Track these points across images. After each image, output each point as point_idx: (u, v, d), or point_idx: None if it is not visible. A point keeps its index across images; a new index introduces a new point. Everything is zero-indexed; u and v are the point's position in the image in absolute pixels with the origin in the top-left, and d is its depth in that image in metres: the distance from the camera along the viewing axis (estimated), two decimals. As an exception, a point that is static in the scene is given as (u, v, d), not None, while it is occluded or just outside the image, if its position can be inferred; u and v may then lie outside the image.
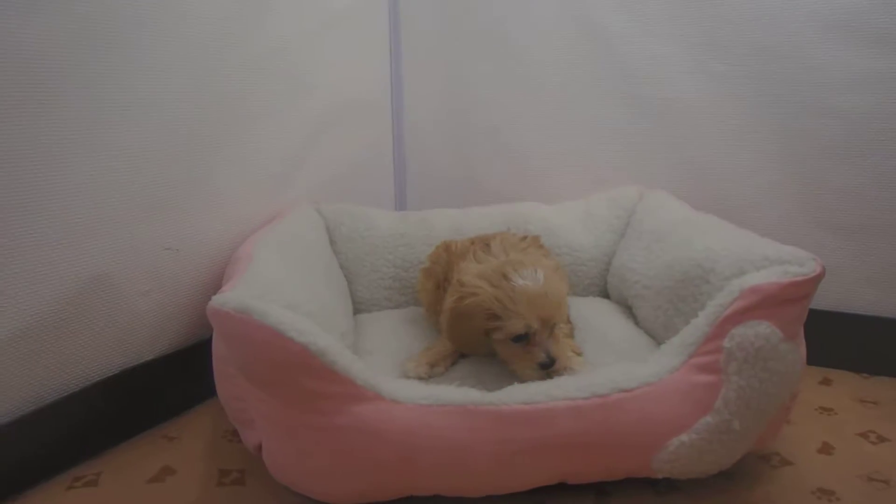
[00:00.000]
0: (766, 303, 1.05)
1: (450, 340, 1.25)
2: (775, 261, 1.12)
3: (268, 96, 1.58)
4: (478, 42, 1.95)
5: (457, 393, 1.01)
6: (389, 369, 1.26)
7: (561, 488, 1.06)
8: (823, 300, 1.59)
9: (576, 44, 1.83)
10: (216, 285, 1.25)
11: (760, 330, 1.03)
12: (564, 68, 1.86)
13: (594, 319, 1.49)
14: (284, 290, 1.17)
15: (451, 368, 1.26)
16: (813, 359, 1.20)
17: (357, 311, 1.65)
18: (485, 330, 1.14)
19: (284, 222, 1.54)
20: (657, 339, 1.39)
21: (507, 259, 1.23)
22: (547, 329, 1.14)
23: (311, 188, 1.76)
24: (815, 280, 1.07)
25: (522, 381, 1.07)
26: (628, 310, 1.58)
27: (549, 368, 1.11)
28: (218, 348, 1.14)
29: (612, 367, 1.10)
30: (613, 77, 1.81)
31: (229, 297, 0.97)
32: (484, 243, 1.35)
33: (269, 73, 1.57)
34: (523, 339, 1.13)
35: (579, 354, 1.28)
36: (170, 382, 1.37)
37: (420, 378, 1.20)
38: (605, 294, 1.73)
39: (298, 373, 0.98)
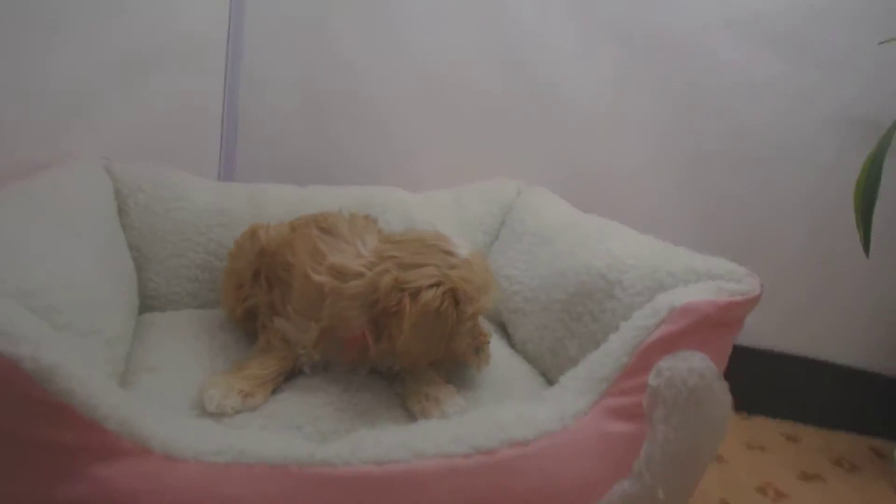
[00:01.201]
0: (700, 327, 0.81)
1: (404, 355, 0.89)
2: (703, 274, 0.89)
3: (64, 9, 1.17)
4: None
5: (273, 444, 0.65)
6: (178, 398, 0.86)
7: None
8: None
9: (459, 7, 1.54)
10: None
11: (695, 363, 0.79)
12: (444, 34, 1.56)
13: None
14: (17, 266, 0.76)
15: (271, 397, 0.89)
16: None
17: (146, 308, 1.22)
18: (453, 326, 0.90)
19: (48, 176, 1.08)
20: (540, 366, 1.12)
21: (406, 233, 1.01)
22: None
23: (105, 139, 1.33)
24: (755, 301, 0.85)
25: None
26: (501, 328, 1.29)
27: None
28: None
29: (497, 407, 0.80)
30: (498, 52, 1.54)
31: None
32: (319, 227, 1.00)
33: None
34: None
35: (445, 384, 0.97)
36: None
37: (225, 414, 0.82)
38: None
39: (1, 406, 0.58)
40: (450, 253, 0.92)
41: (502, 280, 1.28)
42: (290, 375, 0.94)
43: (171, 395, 0.87)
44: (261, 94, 1.64)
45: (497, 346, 1.19)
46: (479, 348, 0.98)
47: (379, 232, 1.05)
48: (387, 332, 0.88)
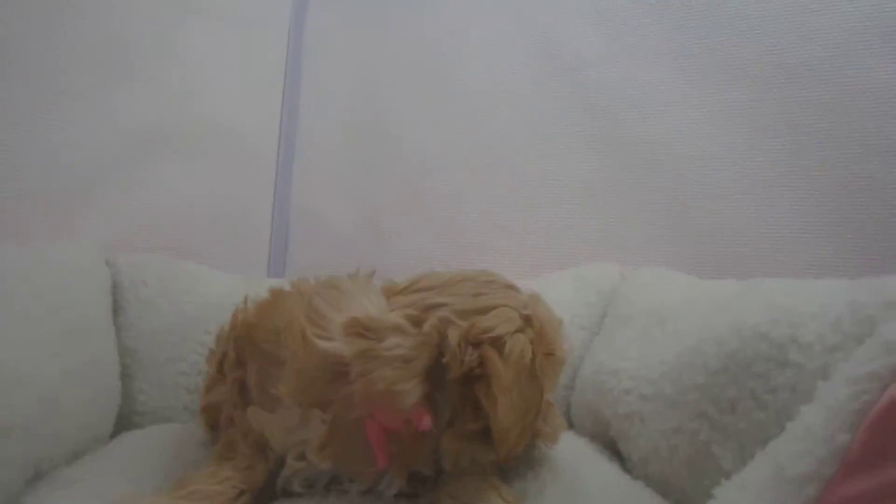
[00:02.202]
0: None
1: (502, 440, 0.59)
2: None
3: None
4: (401, 67, 1.42)
5: None
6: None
7: None
8: None
9: (530, 70, 1.32)
10: None
11: None
12: (514, 103, 1.33)
13: (553, 458, 0.79)
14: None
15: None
16: None
17: (132, 424, 0.93)
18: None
19: (38, 252, 0.88)
20: (673, 492, 0.71)
21: (426, 276, 0.70)
22: None
23: (122, 227, 1.15)
24: None
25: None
26: (610, 448, 0.89)
27: None
28: None
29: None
30: (579, 113, 1.28)
31: None
32: (327, 285, 0.70)
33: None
34: None
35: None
36: None
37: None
38: (566, 424, 1.04)
39: None
40: (513, 287, 0.64)
41: (606, 379, 0.90)
42: (262, 498, 0.60)
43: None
44: (313, 192, 1.44)
45: (607, 468, 0.79)
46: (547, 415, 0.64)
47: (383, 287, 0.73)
48: (453, 409, 0.59)
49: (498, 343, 0.58)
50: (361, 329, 0.60)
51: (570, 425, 1.03)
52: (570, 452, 0.85)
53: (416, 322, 0.60)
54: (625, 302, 1.02)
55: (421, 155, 1.39)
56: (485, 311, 0.60)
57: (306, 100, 1.49)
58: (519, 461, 0.65)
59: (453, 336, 0.58)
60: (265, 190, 1.46)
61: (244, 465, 0.60)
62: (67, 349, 0.81)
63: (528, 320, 0.61)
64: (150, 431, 0.88)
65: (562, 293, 1.13)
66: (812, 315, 0.61)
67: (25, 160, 1.00)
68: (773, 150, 1.14)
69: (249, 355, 0.67)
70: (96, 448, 0.79)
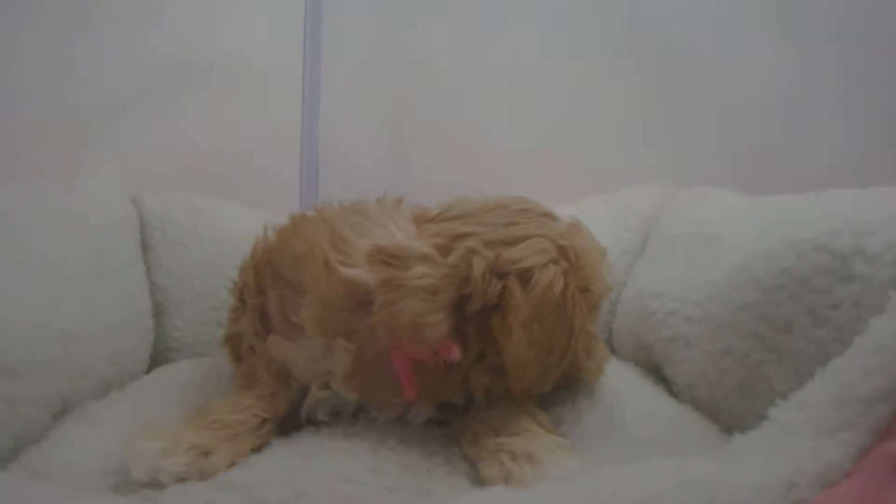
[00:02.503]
0: None
1: (517, 375, 0.56)
2: None
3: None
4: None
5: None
6: (106, 461, 0.53)
7: None
8: None
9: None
10: None
11: None
12: (547, 24, 1.24)
13: (593, 384, 0.76)
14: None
15: (247, 459, 0.53)
16: None
17: (167, 360, 0.93)
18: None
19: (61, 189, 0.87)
20: (724, 418, 0.67)
21: (461, 202, 0.66)
22: None
23: (146, 165, 1.12)
24: None
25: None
26: (654, 373, 0.86)
27: None
28: None
29: (648, 464, 0.39)
30: (618, 29, 1.19)
31: None
32: (353, 211, 0.67)
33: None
34: None
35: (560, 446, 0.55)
36: None
37: (161, 484, 0.48)
38: (609, 350, 1.00)
39: None
40: (550, 216, 0.60)
41: (650, 302, 0.86)
42: (287, 428, 0.58)
43: (97, 458, 0.53)
44: (339, 124, 1.40)
45: (652, 393, 0.76)
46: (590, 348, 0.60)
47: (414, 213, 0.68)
48: (483, 342, 0.56)
49: (525, 275, 0.54)
50: (386, 257, 0.56)
51: (612, 351, 0.99)
52: (611, 378, 0.81)
53: (444, 252, 0.56)
54: (668, 223, 0.97)
55: (452, 83, 1.32)
56: (515, 241, 0.56)
57: (329, 31, 1.42)
58: (556, 388, 0.62)
59: (478, 267, 0.54)
60: (292, 125, 1.42)
61: (266, 394, 0.59)
62: (93, 289, 0.80)
63: (563, 251, 0.57)
64: (181, 366, 0.88)
65: (602, 218, 1.08)
66: (881, 223, 0.55)
67: (43, 95, 0.98)
68: (827, 62, 1.04)
69: (270, 282, 0.64)
70: (130, 384, 0.78)
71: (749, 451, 0.41)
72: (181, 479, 0.48)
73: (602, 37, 1.20)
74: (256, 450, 0.54)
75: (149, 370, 0.88)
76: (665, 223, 0.98)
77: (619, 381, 0.79)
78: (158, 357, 0.93)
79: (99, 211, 0.92)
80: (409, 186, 1.30)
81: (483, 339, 0.56)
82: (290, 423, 0.59)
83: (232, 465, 0.51)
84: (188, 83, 1.20)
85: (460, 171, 1.29)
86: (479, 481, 0.50)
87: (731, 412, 0.65)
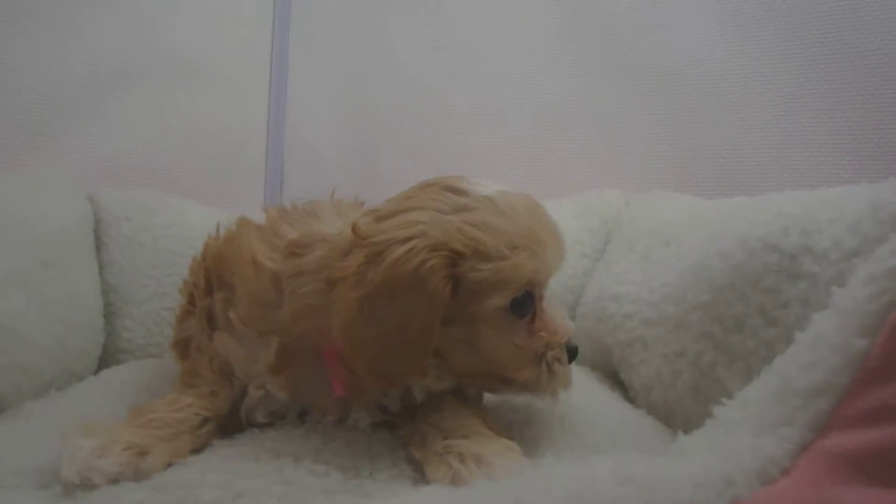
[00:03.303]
0: None
1: (362, 364, 0.51)
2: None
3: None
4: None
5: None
6: (35, 459, 0.50)
7: None
8: None
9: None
10: None
11: None
12: (514, 25, 1.25)
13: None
14: None
15: (185, 460, 0.51)
16: None
17: (118, 362, 0.90)
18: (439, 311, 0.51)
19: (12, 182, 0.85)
20: (677, 420, 0.66)
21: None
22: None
23: (104, 163, 1.10)
24: None
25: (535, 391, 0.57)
26: (612, 378, 0.85)
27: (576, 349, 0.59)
28: None
29: (592, 461, 0.38)
30: (581, 33, 1.20)
31: None
32: (304, 211, 0.65)
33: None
34: (524, 304, 0.55)
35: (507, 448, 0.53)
36: None
37: (92, 484, 0.46)
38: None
39: None
40: (458, 191, 0.54)
41: (608, 305, 0.85)
42: (231, 431, 0.56)
43: (27, 456, 0.51)
44: (307, 125, 1.38)
45: (608, 398, 0.75)
46: (546, 356, 0.56)
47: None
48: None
49: (376, 248, 0.50)
50: (297, 247, 0.55)
51: (572, 356, 0.99)
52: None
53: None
54: (628, 226, 0.97)
55: (417, 81, 1.32)
56: (394, 214, 0.53)
57: (296, 29, 1.41)
58: (508, 388, 0.61)
59: (342, 240, 0.52)
60: (258, 123, 1.40)
61: (207, 392, 0.57)
62: (39, 282, 0.77)
63: (440, 227, 0.51)
64: (129, 367, 0.85)
65: (563, 220, 1.04)
66: (828, 221, 0.55)
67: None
68: (785, 62, 1.05)
69: (216, 285, 0.63)
70: (73, 384, 0.76)
71: (690, 449, 0.40)
72: (115, 480, 0.46)
73: (563, 41, 1.21)
74: (196, 450, 0.52)
75: (97, 373, 0.86)
76: (625, 226, 0.98)
77: (574, 384, 0.79)
78: (108, 359, 0.91)
79: (50, 205, 0.90)
80: (377, 183, 1.30)
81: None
82: (233, 425, 0.58)
83: (170, 465, 0.49)
84: (152, 80, 1.18)
85: (425, 169, 1.28)
86: (425, 484, 0.49)
87: (684, 415, 0.64)
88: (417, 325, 0.49)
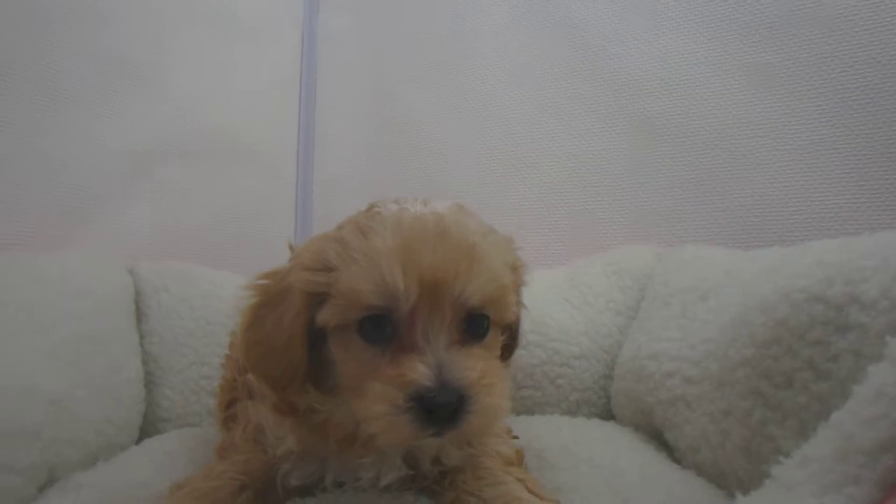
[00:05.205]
0: None
1: (252, 372, 0.59)
2: None
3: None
4: (414, 60, 1.40)
5: None
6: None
7: None
8: None
9: (546, 51, 1.27)
10: None
11: None
12: (531, 86, 1.28)
13: (591, 450, 0.73)
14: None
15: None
16: None
17: (158, 431, 0.91)
18: (306, 321, 0.54)
19: (60, 259, 0.87)
20: (728, 480, 0.64)
21: None
22: (444, 312, 0.51)
23: (140, 238, 1.14)
24: None
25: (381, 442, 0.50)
26: (657, 438, 0.83)
27: (441, 406, 0.47)
28: None
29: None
30: (600, 91, 1.22)
31: None
32: None
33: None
34: (382, 325, 0.51)
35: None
36: None
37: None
38: (607, 415, 0.98)
39: None
40: (371, 212, 0.58)
41: (646, 363, 0.84)
42: (271, 501, 0.56)
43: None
44: (332, 195, 1.42)
45: (653, 459, 0.73)
46: (434, 410, 0.47)
47: None
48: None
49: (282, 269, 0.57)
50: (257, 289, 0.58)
51: (612, 416, 0.96)
52: (611, 443, 0.79)
53: None
54: (662, 282, 0.96)
55: (440, 146, 1.35)
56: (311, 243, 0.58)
57: (322, 104, 1.47)
58: (553, 451, 0.59)
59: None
60: (287, 195, 1.44)
61: (241, 460, 0.56)
62: (85, 356, 0.79)
63: (321, 247, 0.54)
64: (170, 436, 0.85)
65: (594, 278, 1.07)
66: (873, 269, 0.55)
67: (29, 172, 0.99)
68: (813, 110, 1.06)
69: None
70: (118, 454, 0.76)
71: (754, 509, 0.39)
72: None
73: (591, 100, 1.23)
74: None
75: (139, 442, 0.86)
76: (659, 282, 0.97)
77: (618, 446, 0.77)
78: (149, 428, 0.91)
79: (93, 279, 0.92)
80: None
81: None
82: (273, 496, 0.57)
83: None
84: (186, 156, 1.22)
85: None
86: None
87: (736, 475, 0.62)
88: (286, 333, 0.53)
